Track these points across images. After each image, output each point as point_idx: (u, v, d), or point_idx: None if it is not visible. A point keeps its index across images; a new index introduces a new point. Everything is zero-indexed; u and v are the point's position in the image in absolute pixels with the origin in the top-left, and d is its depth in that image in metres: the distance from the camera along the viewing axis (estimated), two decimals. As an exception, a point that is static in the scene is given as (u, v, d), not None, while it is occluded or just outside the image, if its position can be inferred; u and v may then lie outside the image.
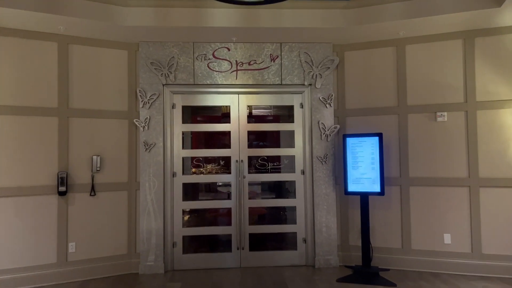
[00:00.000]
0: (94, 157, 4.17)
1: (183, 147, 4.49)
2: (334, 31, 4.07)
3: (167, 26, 3.89)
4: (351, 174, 4.17)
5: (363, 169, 4.13)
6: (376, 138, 4.08)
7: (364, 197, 4.14)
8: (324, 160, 4.40)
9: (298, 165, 4.51)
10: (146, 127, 4.29)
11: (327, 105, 4.43)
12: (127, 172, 4.37)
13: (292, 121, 4.55)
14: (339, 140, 4.48)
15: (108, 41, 4.28)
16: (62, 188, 3.98)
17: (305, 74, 4.42)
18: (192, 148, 4.83)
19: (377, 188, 4.07)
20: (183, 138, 4.50)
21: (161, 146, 4.32)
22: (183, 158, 4.46)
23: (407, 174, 4.28)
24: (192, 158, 4.64)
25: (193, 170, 4.75)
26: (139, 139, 4.35)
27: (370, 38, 4.33)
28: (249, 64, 4.40)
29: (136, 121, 4.30)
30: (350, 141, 4.19)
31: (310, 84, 4.46)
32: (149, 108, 4.32)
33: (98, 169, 4.19)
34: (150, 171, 4.30)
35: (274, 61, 4.42)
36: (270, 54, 4.42)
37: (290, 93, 4.52)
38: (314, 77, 4.41)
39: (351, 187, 4.17)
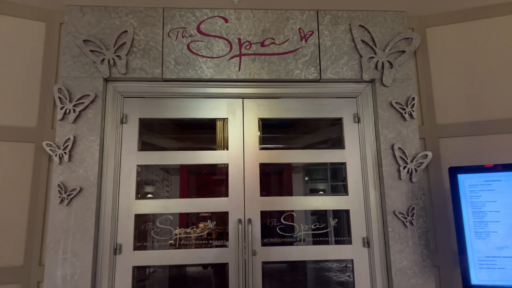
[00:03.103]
0: (-50, 216, 2.05)
1: (138, 196, 2.38)
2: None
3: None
4: (475, 247, 2.05)
5: (500, 237, 2.02)
6: (524, 174, 2.03)
7: (506, 297, 1.98)
8: (409, 218, 2.29)
9: (357, 228, 2.38)
10: (66, 157, 2.23)
11: (407, 116, 2.42)
12: (23, 247, 2.21)
13: (341, 146, 2.51)
14: (436, 179, 2.42)
15: (10, 3, 2.37)
16: None
17: (362, 62, 2.46)
18: (154, 197, 2.71)
19: (536, 279, 1.93)
20: (139, 179, 2.41)
21: (93, 193, 2.22)
22: (137, 217, 2.34)
23: None
24: (155, 217, 2.46)
25: (156, 239, 2.55)
26: (51, 180, 2.26)
27: (473, 2, 2.46)
28: (263, 44, 2.47)
29: (47, 145, 2.24)
30: (465, 180, 2.12)
31: (372, 80, 2.50)
32: (74, 121, 2.29)
33: (-42, 241, 2.04)
34: (68, 244, 2.16)
35: (306, 41, 2.49)
36: (299, 28, 2.50)
37: (336, 95, 2.53)
38: (380, 67, 2.46)
39: (478, 277, 2.02)
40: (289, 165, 2.76)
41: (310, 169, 2.84)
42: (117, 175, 2.34)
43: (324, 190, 2.80)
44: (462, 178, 2.12)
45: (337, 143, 2.56)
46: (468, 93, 2.47)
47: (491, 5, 2.49)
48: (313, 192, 2.86)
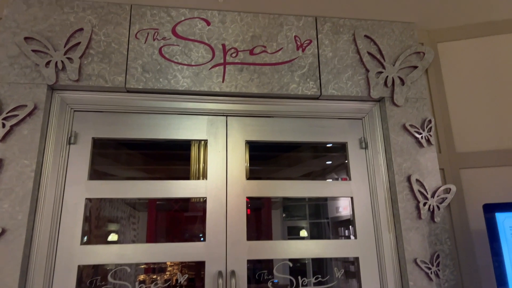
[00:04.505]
0: None
1: (85, 240, 1.80)
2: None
3: None
4: (524, 310, 1.59)
5: (556, 296, 1.58)
6: None
7: None
8: (434, 268, 1.83)
9: (369, 281, 1.88)
10: (-14, 187, 1.65)
11: (424, 142, 2.02)
12: None
13: (345, 177, 2.06)
14: (460, 218, 1.99)
15: None
16: None
17: (370, 78, 2.08)
18: (105, 241, 2.13)
19: None
20: (87, 215, 1.84)
21: (20, 236, 1.63)
22: (80, 269, 1.74)
23: None
24: (104, 270, 1.86)
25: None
26: (-38, 219, 1.66)
27: (490, 15, 2.18)
28: (252, 52, 2.04)
29: (-39, 170, 1.66)
30: (505, 220, 1.70)
31: (380, 99, 2.11)
32: (2, 139, 1.73)
33: None
34: (-24, 311, 1.53)
35: (303, 50, 2.09)
36: (295, 36, 2.10)
37: (338, 116, 2.11)
38: (390, 83, 2.08)
39: None
40: (279, 200, 2.27)
41: (310, 205, 2.35)
42: (57, 212, 1.76)
43: (314, 232, 2.31)
44: (501, 217, 1.70)
45: (341, 173, 2.11)
46: (489, 117, 2.12)
47: (509, 19, 2.22)
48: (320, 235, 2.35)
